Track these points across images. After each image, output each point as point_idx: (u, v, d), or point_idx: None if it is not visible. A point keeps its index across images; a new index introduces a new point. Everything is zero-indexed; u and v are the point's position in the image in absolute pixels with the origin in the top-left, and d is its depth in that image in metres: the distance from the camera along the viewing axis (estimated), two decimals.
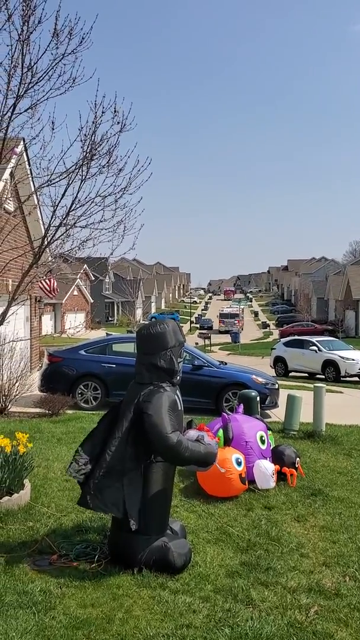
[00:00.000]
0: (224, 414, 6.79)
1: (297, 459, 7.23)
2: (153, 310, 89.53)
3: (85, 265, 41.54)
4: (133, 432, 4.39)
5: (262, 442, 6.97)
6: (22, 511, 5.54)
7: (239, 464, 6.27)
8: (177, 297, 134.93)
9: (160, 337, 4.53)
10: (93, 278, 50.35)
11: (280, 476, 6.88)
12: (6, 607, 3.79)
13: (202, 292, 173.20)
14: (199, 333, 54.68)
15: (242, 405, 7.87)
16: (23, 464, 5.77)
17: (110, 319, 68.14)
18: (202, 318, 79.36)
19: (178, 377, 4.63)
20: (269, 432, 7.35)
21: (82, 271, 46.51)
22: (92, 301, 57.62)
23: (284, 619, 3.84)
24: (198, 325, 71.57)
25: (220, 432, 6.57)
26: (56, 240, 5.81)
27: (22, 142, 8.72)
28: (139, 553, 4.38)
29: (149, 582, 4.22)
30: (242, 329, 44.42)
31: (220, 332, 60.38)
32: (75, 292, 51.47)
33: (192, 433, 4.57)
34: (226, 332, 59.21)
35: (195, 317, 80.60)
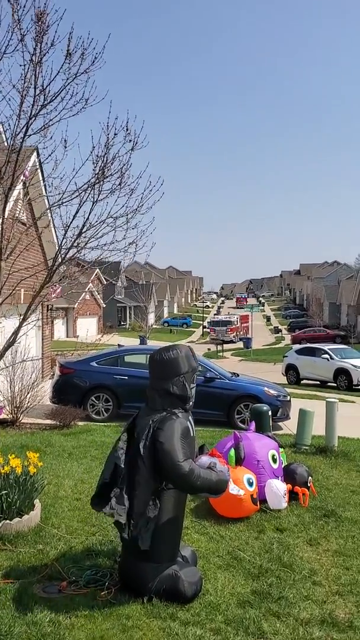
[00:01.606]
0: (236, 432, 6.73)
1: (309, 477, 7.15)
2: (165, 314, 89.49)
3: (97, 270, 41.71)
4: (148, 458, 4.31)
5: (274, 461, 6.90)
6: (32, 533, 5.51)
7: (250, 484, 6.21)
8: (189, 301, 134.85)
9: (172, 363, 4.47)
10: (105, 282, 50.26)
11: (292, 495, 6.80)
12: (15, 638, 3.75)
13: (214, 296, 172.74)
14: (211, 338, 54.46)
15: (254, 423, 7.80)
16: (34, 484, 5.75)
17: (122, 323, 68.24)
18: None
19: (191, 403, 4.57)
20: (281, 450, 7.28)
21: (94, 275, 46.75)
22: (104, 306, 57.70)
23: None
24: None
25: (232, 452, 6.51)
26: (66, 261, 5.80)
27: (35, 155, 8.72)
28: (149, 581, 4.33)
29: (159, 612, 4.17)
30: (249, 336, 42.64)
31: (209, 341, 51.09)
32: (87, 297, 51.54)
33: (205, 460, 4.51)
34: (225, 341, 49.42)
35: (208, 322, 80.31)
